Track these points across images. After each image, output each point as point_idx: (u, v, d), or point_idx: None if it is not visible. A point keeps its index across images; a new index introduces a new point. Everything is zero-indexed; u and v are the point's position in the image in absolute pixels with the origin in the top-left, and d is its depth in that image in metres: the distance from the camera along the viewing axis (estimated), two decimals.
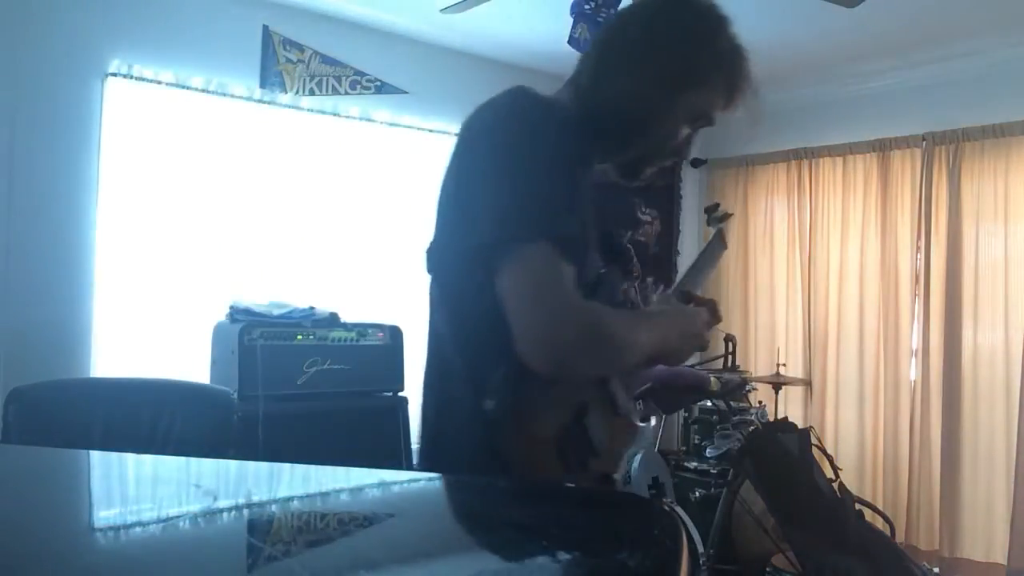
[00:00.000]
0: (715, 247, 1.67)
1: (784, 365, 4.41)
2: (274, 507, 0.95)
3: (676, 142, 1.32)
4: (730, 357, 4.52)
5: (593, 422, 1.19)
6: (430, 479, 1.19)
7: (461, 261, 1.16)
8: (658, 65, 1.25)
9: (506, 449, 1.13)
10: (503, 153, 1.13)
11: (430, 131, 4.06)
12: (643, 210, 5.17)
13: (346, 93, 3.87)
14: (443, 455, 1.23)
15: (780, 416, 4.13)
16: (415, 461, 1.30)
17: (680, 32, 1.28)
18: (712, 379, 4.18)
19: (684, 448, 4.37)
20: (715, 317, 1.40)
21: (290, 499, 1.00)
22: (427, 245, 1.24)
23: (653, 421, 1.44)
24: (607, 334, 1.12)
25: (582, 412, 1.18)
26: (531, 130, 1.14)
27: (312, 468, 1.20)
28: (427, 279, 1.26)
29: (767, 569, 3.52)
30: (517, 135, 1.14)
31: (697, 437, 4.16)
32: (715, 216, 1.73)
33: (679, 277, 1.55)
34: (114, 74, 3.20)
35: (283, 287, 3.52)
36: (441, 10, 3.09)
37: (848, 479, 3.77)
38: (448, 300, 1.22)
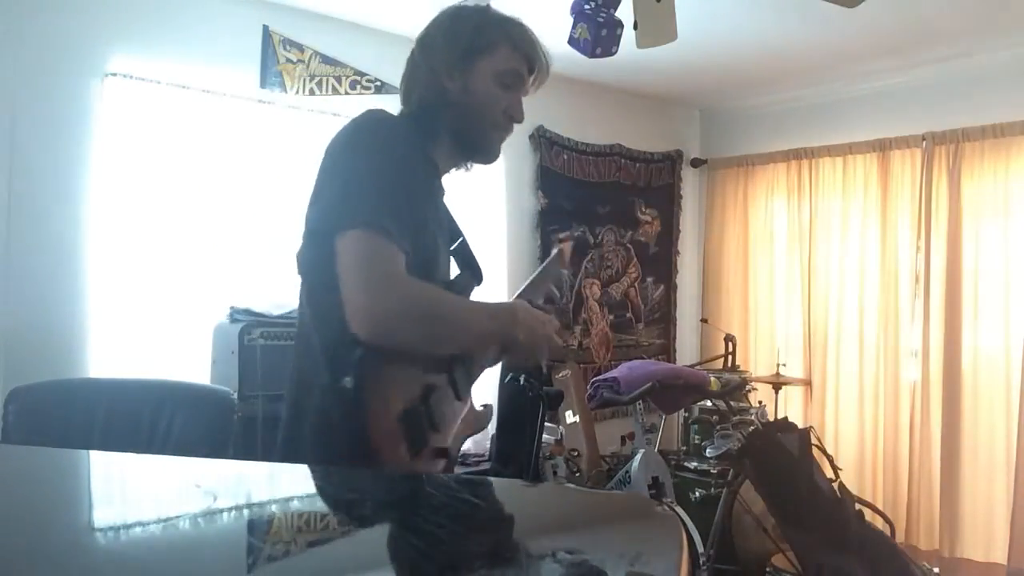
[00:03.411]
0: (551, 266, 1.79)
1: (784, 365, 4.41)
2: (274, 507, 0.95)
3: (500, 107, 1.48)
4: (730, 357, 4.53)
5: (435, 402, 1.33)
6: (430, 479, 1.19)
7: (309, 251, 1.34)
8: (447, 50, 1.45)
9: (359, 423, 1.24)
10: (341, 158, 1.34)
11: None
12: (643, 210, 5.17)
13: (346, 93, 3.87)
14: (303, 433, 1.36)
15: (780, 416, 4.13)
16: (279, 446, 1.43)
17: (456, 22, 1.49)
18: (712, 379, 4.19)
19: (684, 448, 4.37)
20: (561, 324, 1.55)
21: (290, 499, 1.00)
22: (297, 251, 1.38)
23: (488, 406, 1.57)
24: (428, 307, 1.29)
25: (428, 392, 1.31)
26: (368, 139, 1.35)
27: (312, 468, 1.20)
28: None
29: (767, 569, 3.52)
30: (355, 144, 1.35)
31: (697, 437, 4.16)
32: (559, 236, 1.85)
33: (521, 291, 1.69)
34: (113, 74, 3.20)
35: (283, 287, 3.52)
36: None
37: (848, 479, 3.77)
38: (307, 290, 1.37)
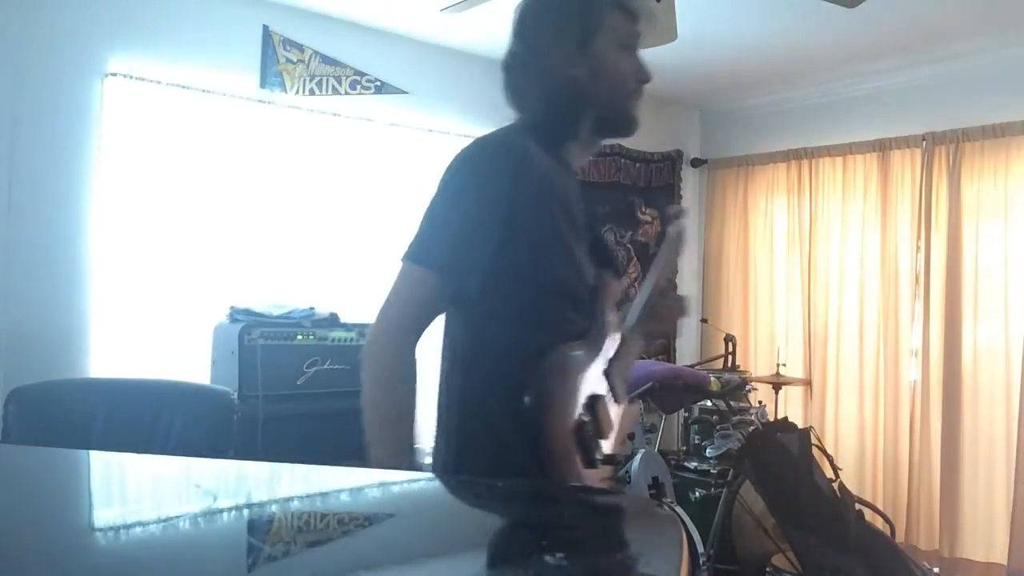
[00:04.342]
0: (673, 243, 1.70)
1: (784, 365, 4.41)
2: (274, 507, 0.95)
3: (629, 74, 1.41)
4: (730, 357, 4.52)
5: (601, 410, 1.32)
6: (430, 479, 1.19)
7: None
8: (561, 38, 1.37)
9: (541, 439, 1.23)
10: (438, 188, 1.36)
11: (430, 131, 4.05)
12: (643, 210, 5.17)
13: (346, 93, 3.87)
14: (476, 453, 1.34)
15: (780, 416, 4.13)
16: (434, 464, 1.40)
17: (552, 9, 1.41)
18: (712, 379, 4.19)
19: (684, 448, 4.37)
20: (679, 311, 1.60)
21: (290, 499, 1.00)
22: None
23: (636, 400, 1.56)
24: (369, 373, 1.34)
25: (594, 402, 1.30)
26: (458, 174, 1.35)
27: (312, 468, 1.20)
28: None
29: (767, 569, 3.52)
30: (448, 177, 1.36)
31: (697, 437, 4.16)
32: (670, 212, 1.72)
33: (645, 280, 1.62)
34: (114, 74, 3.20)
35: (283, 287, 3.52)
36: (441, 10, 3.09)
37: (848, 479, 3.77)
38: (466, 316, 1.39)
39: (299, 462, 1.10)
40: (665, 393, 3.70)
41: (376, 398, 1.33)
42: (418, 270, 1.32)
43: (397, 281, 1.34)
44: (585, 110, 1.40)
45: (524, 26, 1.41)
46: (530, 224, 1.31)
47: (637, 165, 5.11)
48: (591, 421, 1.29)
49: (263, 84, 3.61)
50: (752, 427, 3.59)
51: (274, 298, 3.37)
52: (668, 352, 5.27)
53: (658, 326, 1.59)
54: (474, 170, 1.34)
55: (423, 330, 1.35)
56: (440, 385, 1.41)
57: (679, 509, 3.40)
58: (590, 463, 1.27)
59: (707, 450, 3.79)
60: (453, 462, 1.36)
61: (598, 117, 1.41)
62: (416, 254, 1.32)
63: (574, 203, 1.43)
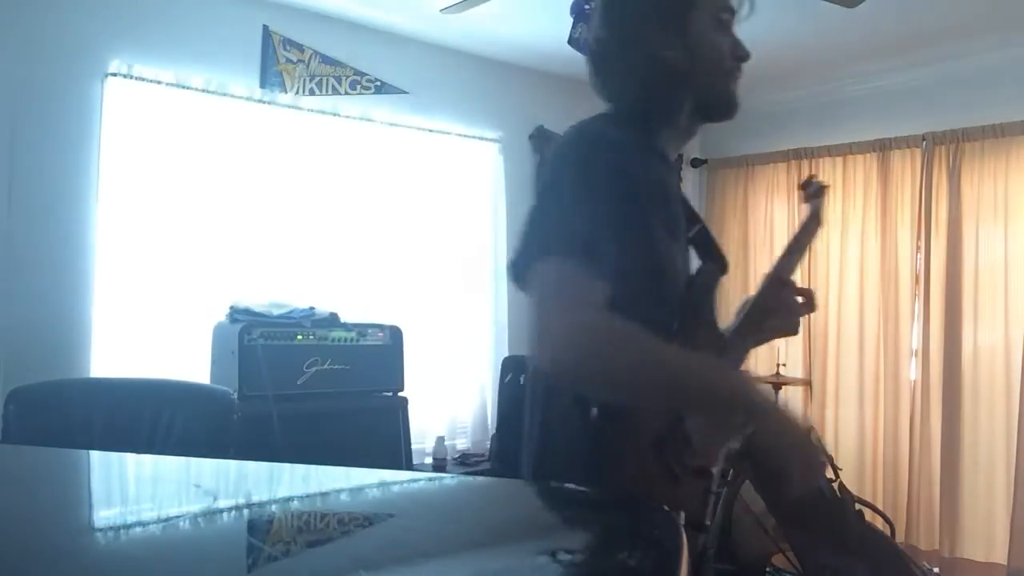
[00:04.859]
0: (810, 226, 1.56)
1: (784, 365, 4.40)
2: (274, 507, 0.95)
3: (726, 52, 1.33)
4: None
5: (692, 422, 1.20)
6: (430, 479, 1.19)
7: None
8: (653, 20, 1.27)
9: (610, 454, 1.15)
10: (551, 179, 1.21)
11: (430, 131, 4.05)
12: None
13: (346, 93, 3.87)
14: (554, 465, 1.23)
15: None
16: (526, 473, 1.30)
17: None
18: None
19: None
20: (804, 306, 1.39)
21: (290, 499, 1.00)
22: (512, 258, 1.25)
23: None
24: (614, 345, 1.10)
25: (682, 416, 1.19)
26: (577, 160, 1.20)
27: (312, 468, 1.20)
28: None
29: (767, 569, 3.52)
30: (564, 165, 1.21)
31: None
32: (810, 191, 1.59)
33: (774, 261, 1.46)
34: (114, 74, 3.20)
35: (283, 287, 3.52)
36: (441, 10, 3.09)
37: (848, 479, 3.77)
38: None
39: (299, 462, 1.10)
40: None
41: (644, 370, 1.12)
42: (568, 264, 1.13)
43: (549, 282, 1.14)
44: (683, 93, 1.30)
45: (611, 9, 1.32)
46: (638, 217, 1.20)
47: None
48: (678, 433, 1.18)
49: (263, 84, 3.61)
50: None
51: (274, 298, 3.36)
52: None
53: (776, 322, 1.41)
54: (598, 153, 1.21)
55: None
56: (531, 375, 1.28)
57: None
58: (671, 477, 1.17)
59: None
60: (542, 462, 1.26)
61: (697, 100, 1.32)
62: (560, 248, 1.14)
63: (673, 194, 1.33)
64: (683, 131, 1.37)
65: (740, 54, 1.33)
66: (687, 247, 1.34)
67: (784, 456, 1.24)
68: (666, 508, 1.00)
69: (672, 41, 1.27)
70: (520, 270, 1.20)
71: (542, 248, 1.16)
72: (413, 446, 3.50)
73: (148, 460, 1.36)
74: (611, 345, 1.10)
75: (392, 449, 3.27)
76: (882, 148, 4.53)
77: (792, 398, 4.80)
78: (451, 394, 4.15)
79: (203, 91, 3.41)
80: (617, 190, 1.18)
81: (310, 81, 3.76)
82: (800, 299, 1.43)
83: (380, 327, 3.40)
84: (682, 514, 1.15)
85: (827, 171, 4.78)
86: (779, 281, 1.43)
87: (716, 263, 1.36)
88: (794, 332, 1.39)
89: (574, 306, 1.09)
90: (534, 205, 1.22)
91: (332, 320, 3.32)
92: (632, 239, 1.17)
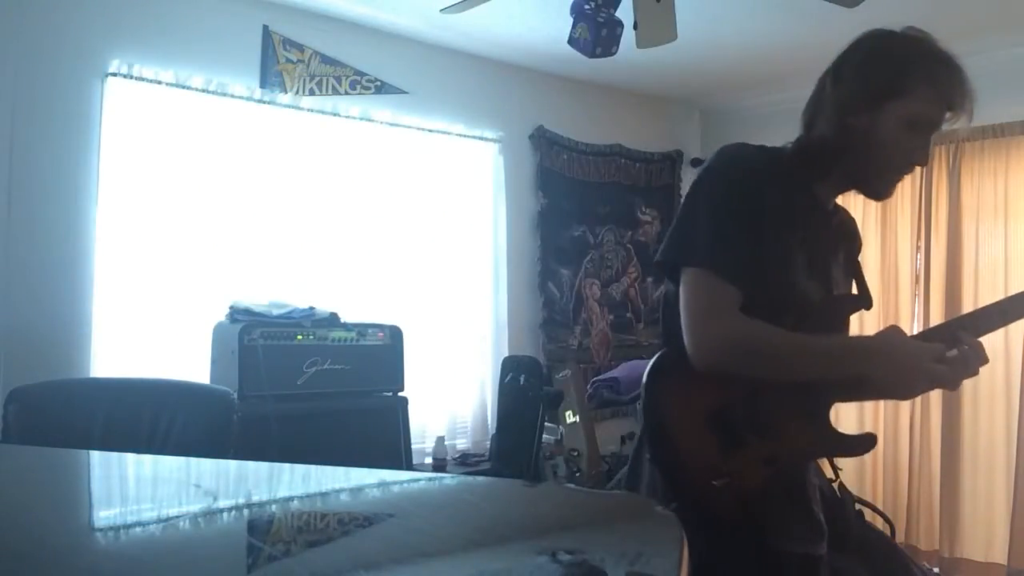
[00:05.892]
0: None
1: None
2: (274, 507, 0.95)
3: (903, 151, 1.39)
4: None
5: (768, 403, 1.32)
6: (430, 479, 1.19)
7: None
8: (857, 85, 1.39)
9: (658, 408, 1.34)
10: (695, 193, 1.39)
11: (430, 131, 4.05)
12: (643, 210, 5.17)
13: (346, 93, 3.87)
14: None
15: None
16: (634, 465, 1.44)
17: (873, 57, 1.44)
18: None
19: None
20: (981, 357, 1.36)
21: (290, 499, 1.00)
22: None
23: (870, 434, 1.46)
24: (753, 344, 1.30)
25: (757, 391, 1.32)
26: (718, 179, 1.38)
27: (312, 468, 1.20)
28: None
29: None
30: (708, 181, 1.38)
31: None
32: None
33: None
34: (114, 74, 3.20)
35: (283, 287, 3.52)
36: (441, 10, 3.09)
37: (848, 479, 3.76)
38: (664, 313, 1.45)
39: (299, 462, 1.10)
40: None
41: (784, 359, 1.32)
42: (714, 278, 1.31)
43: (693, 289, 1.33)
44: (842, 160, 1.41)
45: (844, 59, 1.46)
46: (769, 233, 1.34)
47: (637, 165, 5.10)
48: (740, 412, 1.31)
49: (263, 84, 3.61)
50: None
51: (274, 298, 3.36)
52: None
53: (951, 363, 1.36)
54: (740, 175, 1.38)
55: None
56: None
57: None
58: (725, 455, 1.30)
59: None
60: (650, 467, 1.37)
61: (851, 173, 1.42)
62: (705, 261, 1.32)
63: (814, 223, 1.44)
64: (833, 186, 1.47)
65: (917, 160, 1.41)
66: (828, 274, 1.45)
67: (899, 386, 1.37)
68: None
69: (860, 114, 1.38)
70: (666, 269, 1.40)
71: (686, 255, 1.34)
72: (413, 446, 3.50)
73: (148, 460, 1.36)
74: (755, 346, 1.30)
75: (392, 449, 3.27)
76: None
77: None
78: (451, 394, 4.15)
79: (203, 91, 3.41)
80: (754, 208, 1.33)
81: (310, 81, 3.76)
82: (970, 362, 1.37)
83: (380, 327, 3.40)
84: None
85: None
86: (965, 330, 1.39)
87: (863, 299, 1.49)
88: (952, 388, 1.38)
89: (717, 313, 1.29)
90: (683, 211, 1.39)
91: (332, 320, 3.32)
92: (764, 252, 1.32)
